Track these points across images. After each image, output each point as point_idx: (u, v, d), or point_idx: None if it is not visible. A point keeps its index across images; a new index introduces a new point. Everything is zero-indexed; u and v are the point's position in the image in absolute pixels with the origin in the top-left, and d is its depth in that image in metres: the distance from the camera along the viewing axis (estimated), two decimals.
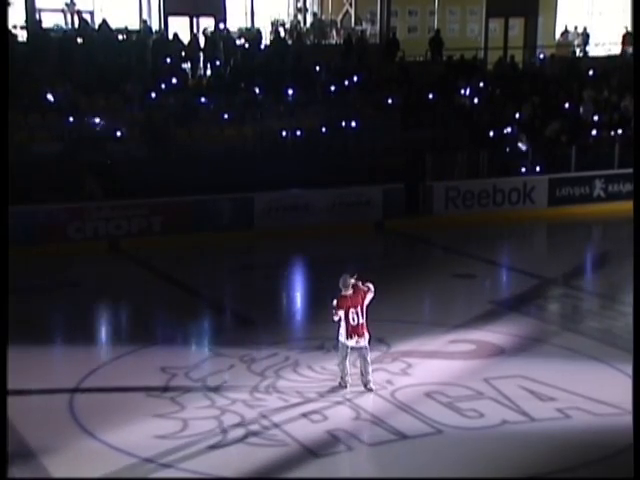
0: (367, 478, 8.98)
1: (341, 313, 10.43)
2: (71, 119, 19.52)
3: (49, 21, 24.09)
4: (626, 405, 10.18)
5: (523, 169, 21.40)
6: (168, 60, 22.61)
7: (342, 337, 10.52)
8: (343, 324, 10.46)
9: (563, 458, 9.11)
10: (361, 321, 10.44)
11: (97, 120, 19.69)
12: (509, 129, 22.20)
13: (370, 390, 10.59)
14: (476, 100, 23.36)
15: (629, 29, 28.26)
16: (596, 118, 23.20)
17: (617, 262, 17.51)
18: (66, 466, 8.93)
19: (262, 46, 24.63)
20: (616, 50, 28.90)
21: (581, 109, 23.61)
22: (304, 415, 10.06)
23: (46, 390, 10.80)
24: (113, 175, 18.47)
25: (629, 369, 11.19)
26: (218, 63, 23.17)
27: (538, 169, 21.51)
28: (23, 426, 9.53)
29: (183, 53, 23.15)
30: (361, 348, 10.54)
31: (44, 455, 9.12)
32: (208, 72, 23.22)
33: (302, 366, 11.48)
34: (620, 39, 28.43)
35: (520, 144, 21.53)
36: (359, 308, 10.43)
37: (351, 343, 10.49)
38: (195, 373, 11.35)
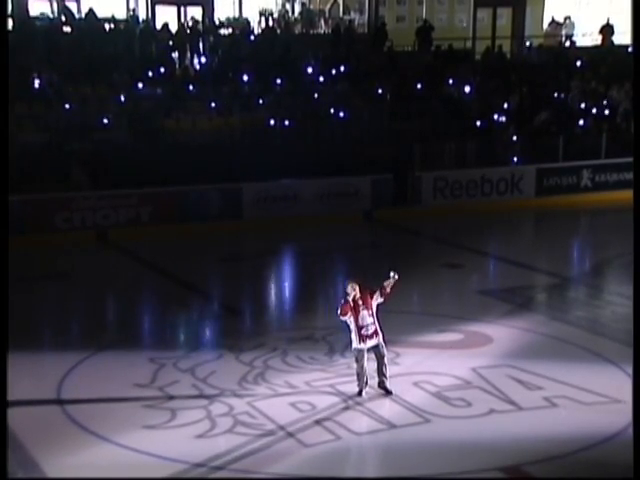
0: (357, 478, 8.96)
1: (350, 319, 10.15)
2: (58, 108, 19.41)
3: (35, 10, 23.93)
4: (613, 394, 10.27)
5: (513, 159, 21.44)
6: (155, 49, 22.49)
7: (355, 343, 10.19)
8: (354, 330, 10.15)
9: (550, 446, 9.15)
10: (370, 321, 10.11)
11: (84, 109, 19.59)
12: (497, 119, 22.22)
13: (389, 393, 10.24)
14: (464, 90, 23.35)
15: (610, 21, 28.29)
16: (583, 106, 23.24)
17: (604, 252, 17.60)
18: (55, 457, 8.90)
19: (250, 36, 24.55)
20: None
21: (568, 99, 23.66)
22: (293, 405, 10.07)
23: (33, 382, 10.75)
24: (100, 165, 18.39)
25: (616, 358, 11.29)
26: (206, 53, 23.07)
27: (526, 159, 21.54)
28: (12, 419, 9.48)
29: (171, 42, 23.05)
30: (376, 346, 10.22)
31: (33, 446, 9.09)
32: (196, 62, 23.12)
33: (291, 356, 11.48)
34: (604, 30, 28.39)
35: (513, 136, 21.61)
36: (369, 310, 10.12)
37: (366, 345, 10.15)
38: (183, 363, 11.34)
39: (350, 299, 10.17)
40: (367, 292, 10.27)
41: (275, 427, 9.51)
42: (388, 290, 10.25)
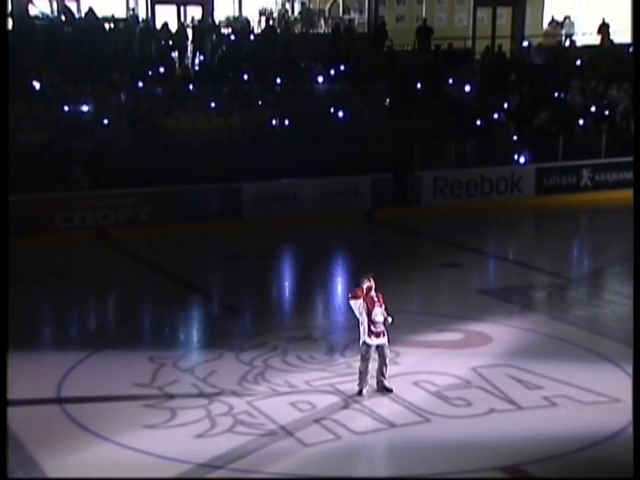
0: (357, 478, 8.97)
1: (362, 309, 10.11)
2: (58, 108, 19.41)
3: (35, 9, 23.91)
4: (613, 393, 10.28)
5: (513, 158, 21.45)
6: (155, 49, 22.48)
7: (364, 336, 10.15)
8: (365, 323, 10.12)
9: (549, 446, 9.16)
10: (381, 319, 10.12)
11: (84, 109, 19.60)
12: (497, 118, 22.22)
13: (390, 391, 10.28)
14: (464, 89, 23.34)
15: (606, 20, 28.30)
16: (583, 107, 23.25)
17: (603, 251, 17.61)
18: (55, 457, 8.90)
19: (250, 36, 24.55)
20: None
21: (568, 98, 23.67)
22: (292, 404, 10.08)
23: (33, 381, 10.77)
24: (100, 164, 18.40)
25: (616, 358, 11.30)
26: (206, 52, 23.08)
27: (526, 159, 21.55)
28: (12, 418, 9.48)
29: (171, 42, 23.05)
30: (382, 346, 10.22)
31: (33, 446, 9.10)
32: (196, 61, 23.13)
33: (290, 355, 11.48)
34: (601, 30, 28.38)
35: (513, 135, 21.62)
36: (382, 308, 10.15)
37: (374, 341, 10.14)
38: (183, 362, 11.35)
39: (364, 286, 10.14)
40: (382, 294, 10.26)
41: (275, 426, 9.52)
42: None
